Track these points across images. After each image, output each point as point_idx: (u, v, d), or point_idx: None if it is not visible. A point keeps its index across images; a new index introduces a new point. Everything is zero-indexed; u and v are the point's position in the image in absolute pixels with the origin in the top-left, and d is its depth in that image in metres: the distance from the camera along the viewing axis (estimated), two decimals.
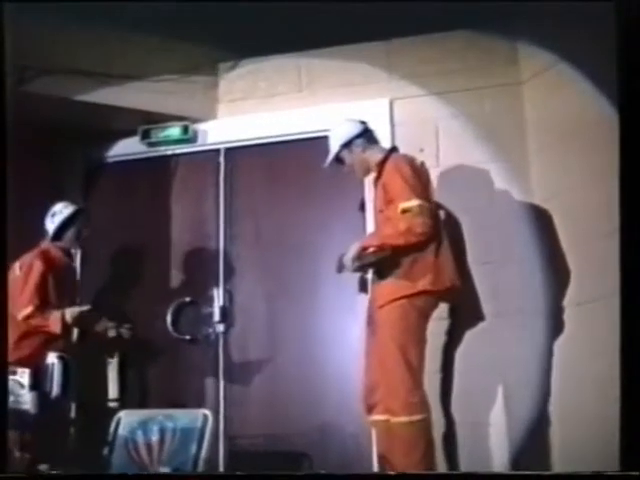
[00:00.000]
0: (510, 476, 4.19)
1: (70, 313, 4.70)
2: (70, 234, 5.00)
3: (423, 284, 4.20)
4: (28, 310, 4.70)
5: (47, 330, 4.71)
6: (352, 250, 4.25)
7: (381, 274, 4.32)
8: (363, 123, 4.59)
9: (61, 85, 5.00)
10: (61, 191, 5.45)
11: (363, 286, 4.62)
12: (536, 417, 4.55)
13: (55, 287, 4.84)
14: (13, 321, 4.70)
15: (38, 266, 4.81)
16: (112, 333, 4.99)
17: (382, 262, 4.25)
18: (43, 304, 4.74)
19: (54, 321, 4.69)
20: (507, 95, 4.97)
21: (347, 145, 4.52)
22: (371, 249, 4.25)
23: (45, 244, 4.96)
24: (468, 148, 4.96)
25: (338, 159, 4.57)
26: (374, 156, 4.51)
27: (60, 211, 4.97)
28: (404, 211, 4.19)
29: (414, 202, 4.18)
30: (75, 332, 4.80)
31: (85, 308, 4.75)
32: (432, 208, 4.29)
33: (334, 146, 4.56)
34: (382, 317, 4.24)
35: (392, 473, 4.13)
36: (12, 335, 4.66)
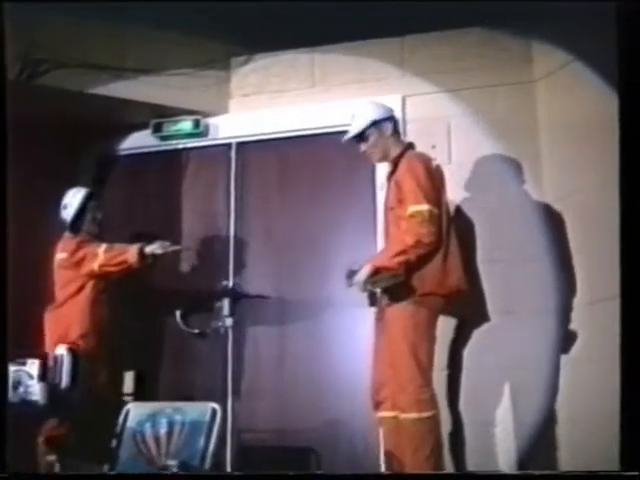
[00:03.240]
0: (508, 476, 4.19)
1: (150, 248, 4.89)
2: (88, 220, 5.08)
3: (430, 287, 4.19)
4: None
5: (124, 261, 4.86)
6: (364, 272, 4.19)
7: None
8: (391, 110, 4.54)
9: (74, 78, 5.00)
10: (73, 183, 5.44)
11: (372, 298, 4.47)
12: (543, 417, 4.54)
13: None
14: None
15: None
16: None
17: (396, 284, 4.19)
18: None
19: (132, 252, 4.84)
20: (520, 93, 4.95)
21: (377, 124, 4.41)
22: (385, 273, 4.17)
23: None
24: (480, 146, 4.94)
25: (361, 137, 4.45)
26: (394, 147, 4.43)
27: (74, 196, 5.07)
28: (412, 215, 4.16)
29: (424, 207, 4.16)
30: None
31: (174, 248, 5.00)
32: (441, 215, 4.24)
33: (364, 120, 4.41)
34: (391, 314, 4.24)
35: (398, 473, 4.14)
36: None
